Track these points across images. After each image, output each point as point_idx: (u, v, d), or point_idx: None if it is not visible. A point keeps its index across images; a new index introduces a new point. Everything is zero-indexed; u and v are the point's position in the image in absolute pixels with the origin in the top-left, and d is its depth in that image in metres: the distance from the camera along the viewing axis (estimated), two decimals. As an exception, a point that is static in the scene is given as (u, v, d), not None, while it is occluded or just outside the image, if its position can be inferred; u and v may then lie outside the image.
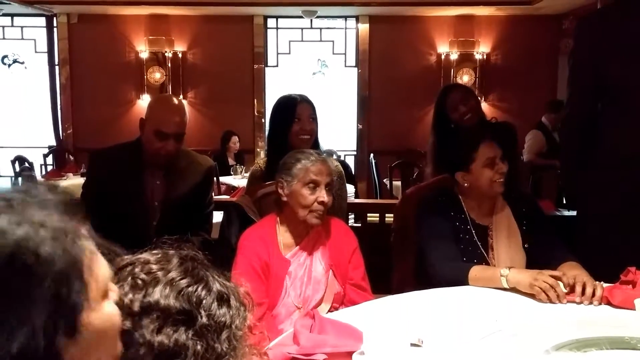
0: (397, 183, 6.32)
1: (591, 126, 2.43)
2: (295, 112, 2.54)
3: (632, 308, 1.78)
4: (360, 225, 3.39)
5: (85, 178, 2.77)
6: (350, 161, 8.18)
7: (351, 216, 3.57)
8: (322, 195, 2.06)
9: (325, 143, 7.90)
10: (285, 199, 2.11)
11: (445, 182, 2.48)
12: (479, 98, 7.89)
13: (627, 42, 2.29)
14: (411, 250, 2.51)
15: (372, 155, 7.67)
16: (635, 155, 2.30)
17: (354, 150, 8.32)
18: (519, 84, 7.67)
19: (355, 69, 8.14)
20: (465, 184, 2.30)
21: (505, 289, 1.95)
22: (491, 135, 2.30)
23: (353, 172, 7.98)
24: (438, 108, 3.13)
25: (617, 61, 2.31)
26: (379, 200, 3.87)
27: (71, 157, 7.58)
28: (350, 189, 3.72)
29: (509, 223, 2.31)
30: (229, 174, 6.28)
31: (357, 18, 7.95)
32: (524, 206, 2.35)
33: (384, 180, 6.79)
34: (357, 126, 8.22)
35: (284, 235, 2.15)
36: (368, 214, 3.45)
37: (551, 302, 1.83)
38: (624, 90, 2.33)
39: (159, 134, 2.42)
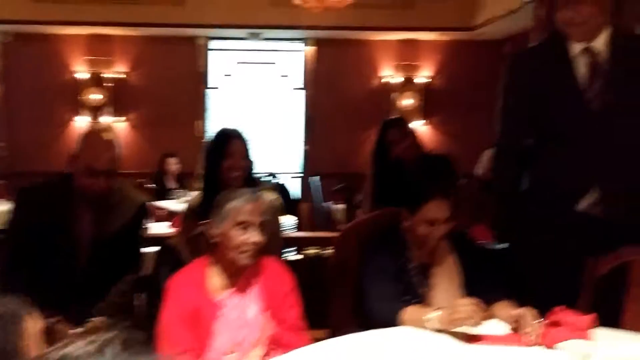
0: (340, 206, 6.33)
1: (524, 160, 2.45)
2: (227, 148, 2.50)
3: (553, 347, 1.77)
4: (300, 258, 3.34)
5: (12, 214, 2.64)
6: (297, 183, 8.14)
7: (293, 249, 3.52)
8: (253, 235, 2.02)
9: (271, 166, 7.90)
10: (215, 239, 2.05)
11: (387, 217, 2.46)
12: (424, 121, 8.04)
13: (558, 78, 2.33)
14: (350, 286, 2.48)
15: (317, 177, 7.64)
16: (565, 190, 2.33)
17: (301, 173, 8.28)
18: (461, 107, 7.80)
19: (302, 91, 8.13)
20: (407, 223, 2.28)
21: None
22: (443, 193, 2.28)
23: (300, 196, 7.98)
24: (378, 142, 3.14)
25: (548, 97, 2.35)
26: (318, 234, 3.85)
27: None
28: (290, 220, 3.67)
29: (449, 263, 2.30)
30: (170, 198, 6.11)
31: (304, 41, 7.96)
32: (465, 246, 2.35)
33: (327, 204, 6.77)
34: (304, 149, 8.20)
35: (216, 277, 2.08)
36: (308, 247, 3.41)
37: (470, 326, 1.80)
38: (555, 125, 2.36)
39: (89, 170, 2.34)
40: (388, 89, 7.98)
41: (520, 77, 2.43)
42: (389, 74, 7.97)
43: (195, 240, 2.37)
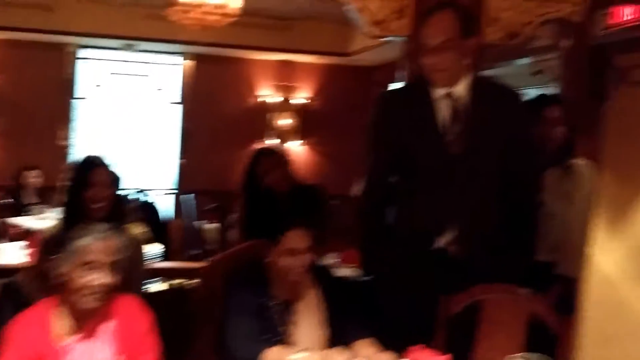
0: (212, 226, 6.23)
1: (387, 198, 2.51)
2: (90, 177, 2.36)
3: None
4: (165, 289, 3.21)
5: None
6: (170, 200, 7.91)
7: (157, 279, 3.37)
8: (100, 277, 1.89)
9: (143, 182, 7.61)
10: (60, 279, 1.91)
11: (254, 250, 2.42)
12: (299, 142, 8.12)
13: (420, 120, 2.40)
14: (215, 322, 2.41)
15: (191, 195, 7.48)
16: (425, 228, 2.40)
17: (175, 189, 8.06)
18: (337, 128, 7.96)
19: (178, 105, 7.93)
20: (270, 257, 2.26)
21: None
22: (303, 222, 2.27)
23: (173, 213, 7.75)
24: (249, 171, 3.11)
25: (411, 137, 2.42)
26: (185, 264, 3.76)
27: None
28: (156, 248, 3.54)
29: (313, 298, 2.29)
30: (27, 214, 5.64)
31: (182, 55, 7.78)
32: (328, 281, 2.35)
33: (200, 222, 6.64)
34: (179, 165, 7.98)
35: (61, 321, 1.93)
36: (175, 277, 3.28)
37: None
38: (416, 165, 2.44)
39: None
40: (265, 108, 7.99)
41: (386, 116, 2.49)
42: (267, 94, 7.98)
43: (46, 276, 2.19)
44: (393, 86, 7.02)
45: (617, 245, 4.80)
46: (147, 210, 5.79)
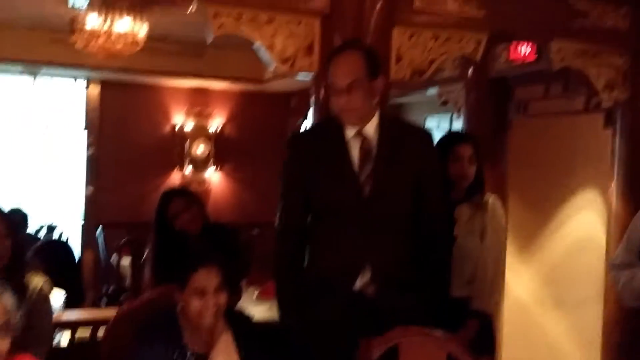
0: (126, 261, 6.00)
1: (302, 239, 2.49)
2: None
3: None
4: (71, 344, 3.03)
5: None
6: (76, 235, 7.58)
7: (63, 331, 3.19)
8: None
9: (49, 215, 7.25)
10: None
11: (164, 299, 2.32)
12: (214, 169, 8.01)
13: (332, 160, 2.40)
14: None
15: (100, 227, 7.19)
16: (340, 269, 2.38)
17: (83, 222, 7.72)
18: (252, 155, 7.91)
19: (84, 132, 7.63)
20: (180, 303, 2.18)
21: None
22: (211, 260, 2.21)
23: (82, 247, 7.43)
24: (159, 212, 3.02)
25: (323, 178, 2.41)
26: (94, 312, 3.57)
27: None
28: (60, 296, 3.35)
29: (228, 347, 2.22)
30: None
31: (88, 80, 7.51)
32: (244, 327, 2.29)
33: (112, 258, 6.38)
34: (85, 196, 7.65)
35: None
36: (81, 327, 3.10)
37: None
38: (328, 206, 2.43)
39: None
40: (180, 135, 7.83)
41: (298, 158, 2.47)
42: (181, 120, 7.84)
43: None
44: (307, 121, 7.09)
45: (527, 270, 5.04)
46: (55, 249, 5.49)
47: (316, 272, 2.45)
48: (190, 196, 3.18)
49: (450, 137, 2.96)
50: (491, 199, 2.90)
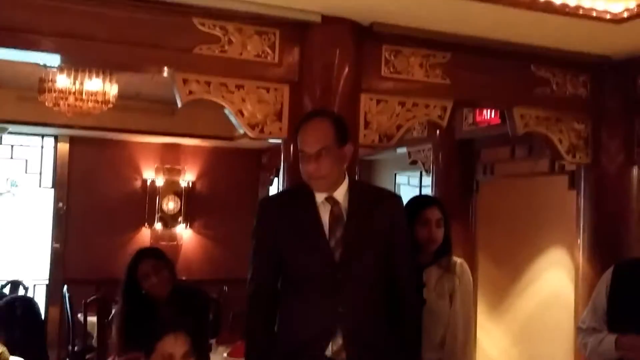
0: (93, 319, 5.84)
1: (273, 301, 2.46)
2: None
3: None
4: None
5: None
6: (42, 292, 7.39)
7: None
8: None
9: (14, 272, 7.08)
10: None
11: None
12: (185, 225, 7.94)
13: (302, 225, 2.40)
14: None
15: (65, 287, 7.01)
16: (311, 335, 2.36)
17: (46, 279, 7.54)
18: (223, 211, 7.88)
19: (52, 189, 7.54)
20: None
21: None
22: (181, 326, 2.16)
23: (48, 305, 7.24)
24: (129, 272, 2.98)
25: (291, 244, 2.40)
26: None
27: None
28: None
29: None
30: None
31: (56, 137, 7.47)
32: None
33: (79, 316, 6.22)
34: (51, 253, 7.50)
35: None
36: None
37: None
38: (298, 271, 2.42)
39: None
40: (151, 190, 7.79)
41: (268, 223, 2.46)
42: (152, 176, 7.80)
43: None
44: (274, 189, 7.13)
45: (498, 328, 5.03)
46: (20, 306, 5.32)
47: (287, 337, 2.42)
48: (161, 259, 3.13)
49: (418, 201, 2.99)
50: (459, 261, 2.92)
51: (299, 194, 2.46)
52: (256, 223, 2.48)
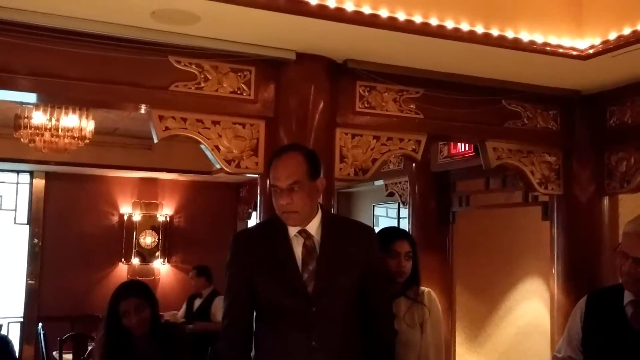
0: (69, 357, 5.73)
1: (248, 335, 2.44)
2: None
3: None
4: None
5: None
6: (16, 330, 7.23)
7: None
8: None
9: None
10: None
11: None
12: (163, 260, 7.87)
13: (275, 259, 2.40)
14: None
15: (40, 324, 6.88)
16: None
17: (20, 317, 7.39)
18: (201, 245, 7.82)
19: (27, 226, 7.44)
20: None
21: None
22: None
23: (22, 344, 7.09)
24: (110, 307, 2.95)
25: (264, 278, 2.39)
26: None
27: None
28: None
29: None
30: None
31: (31, 173, 7.40)
32: None
33: (54, 354, 6.09)
34: (26, 290, 7.37)
35: None
36: None
37: None
38: (271, 306, 2.41)
39: None
40: (127, 226, 7.73)
41: (242, 255, 2.46)
42: (129, 211, 7.75)
43: None
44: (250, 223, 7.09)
45: (477, 358, 5.03)
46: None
47: None
48: (145, 297, 3.09)
49: (387, 233, 3.01)
50: (426, 291, 2.94)
51: (272, 227, 2.47)
52: (230, 257, 2.48)
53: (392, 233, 3.00)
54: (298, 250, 2.39)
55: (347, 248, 2.43)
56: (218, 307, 5.92)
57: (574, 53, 3.00)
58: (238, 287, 2.45)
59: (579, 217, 3.70)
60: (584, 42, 2.99)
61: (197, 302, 6.39)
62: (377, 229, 2.82)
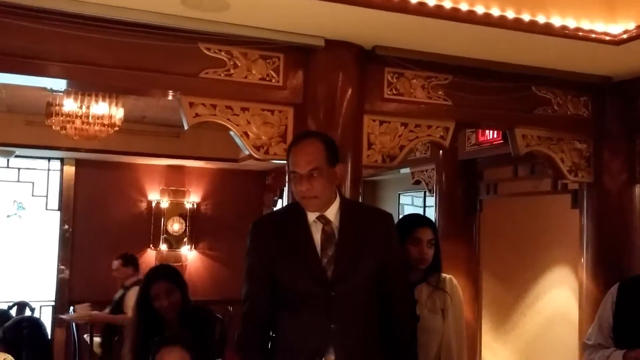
0: (99, 340, 5.85)
1: (267, 321, 2.47)
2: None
3: None
4: None
5: None
6: (48, 313, 7.39)
7: None
8: None
9: (20, 294, 7.10)
10: None
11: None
12: (190, 246, 7.96)
13: (295, 244, 2.42)
14: None
15: (72, 308, 7.02)
16: (303, 352, 2.36)
17: (52, 301, 7.56)
18: (228, 232, 7.87)
19: (58, 212, 7.59)
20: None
21: None
22: (179, 341, 2.18)
23: (55, 326, 7.25)
24: (142, 290, 3.01)
25: (283, 264, 2.42)
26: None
27: None
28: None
29: None
30: None
31: (62, 160, 7.53)
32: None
33: (85, 336, 6.22)
34: (58, 275, 7.53)
35: None
36: None
37: None
38: (290, 291, 2.43)
39: None
40: (155, 213, 7.83)
41: (261, 242, 2.48)
42: (157, 198, 7.85)
43: None
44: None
45: (504, 348, 5.02)
46: (27, 327, 5.34)
47: (282, 356, 2.42)
48: (175, 281, 3.14)
49: (411, 220, 3.01)
50: (448, 277, 2.94)
51: (291, 213, 2.48)
52: (249, 244, 2.50)
53: (415, 220, 3.00)
54: (317, 236, 2.40)
55: (365, 233, 2.44)
56: (131, 299, 4.92)
57: (607, 38, 2.95)
58: (258, 273, 2.47)
59: (609, 205, 3.65)
60: (617, 26, 2.93)
61: (119, 294, 5.93)
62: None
